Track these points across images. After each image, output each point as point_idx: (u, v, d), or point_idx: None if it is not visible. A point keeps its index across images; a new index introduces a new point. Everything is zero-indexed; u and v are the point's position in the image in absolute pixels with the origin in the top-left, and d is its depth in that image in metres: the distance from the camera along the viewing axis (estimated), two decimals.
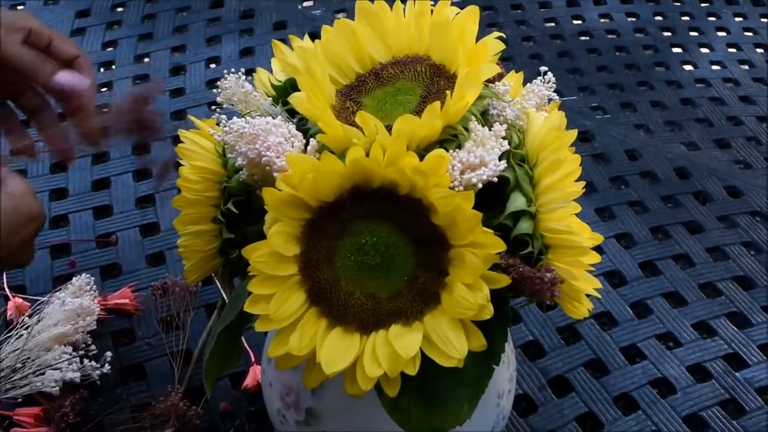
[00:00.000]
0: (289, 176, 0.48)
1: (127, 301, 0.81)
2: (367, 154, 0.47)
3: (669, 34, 1.32)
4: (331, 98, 0.56)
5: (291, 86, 0.57)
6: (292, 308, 0.49)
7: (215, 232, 0.56)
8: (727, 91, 1.21)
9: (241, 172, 0.54)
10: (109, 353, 0.75)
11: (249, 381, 0.76)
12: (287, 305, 0.49)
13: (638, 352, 0.84)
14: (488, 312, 0.48)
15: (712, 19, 1.36)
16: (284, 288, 0.49)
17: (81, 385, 0.73)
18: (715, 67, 1.26)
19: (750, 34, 1.34)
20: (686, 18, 1.36)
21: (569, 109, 1.13)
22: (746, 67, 1.27)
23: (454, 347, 0.48)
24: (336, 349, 0.48)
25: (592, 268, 0.53)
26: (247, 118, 0.54)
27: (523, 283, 0.49)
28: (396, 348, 0.48)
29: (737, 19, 1.36)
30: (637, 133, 1.12)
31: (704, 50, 1.29)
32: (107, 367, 0.74)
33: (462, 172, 0.49)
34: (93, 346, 0.76)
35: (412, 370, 0.47)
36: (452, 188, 0.49)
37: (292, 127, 0.53)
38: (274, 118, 0.54)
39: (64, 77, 0.63)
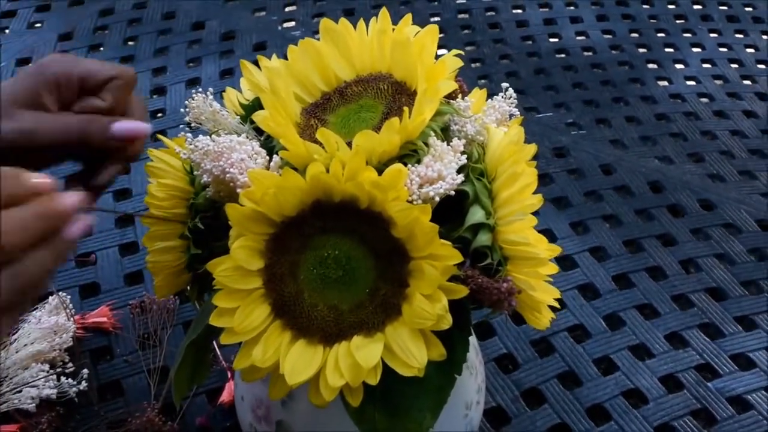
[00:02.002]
0: (252, 192, 0.49)
1: (104, 319, 0.82)
2: (328, 170, 0.49)
3: (644, 50, 1.34)
4: (296, 116, 0.57)
5: (258, 105, 0.58)
6: (257, 321, 0.50)
7: (183, 248, 0.57)
8: (702, 105, 1.23)
9: (207, 189, 0.55)
10: (85, 370, 0.76)
11: (225, 397, 0.77)
12: (251, 318, 0.50)
13: (611, 363, 0.86)
14: (447, 322, 0.49)
15: (687, 35, 1.38)
16: (248, 301, 0.50)
17: (58, 402, 0.75)
18: (689, 83, 1.28)
19: (725, 49, 1.36)
20: (662, 35, 1.38)
21: (545, 126, 1.15)
22: (720, 82, 1.29)
23: (414, 357, 0.49)
24: (299, 361, 0.49)
25: (551, 279, 0.54)
26: (213, 136, 0.55)
27: (482, 293, 0.50)
28: (357, 358, 0.49)
29: (712, 35, 1.39)
30: (612, 148, 1.13)
31: (679, 66, 1.31)
32: (84, 384, 0.75)
33: (420, 186, 0.50)
34: (70, 364, 0.77)
35: (374, 380, 0.49)
36: (410, 202, 0.50)
37: (256, 144, 0.54)
38: (239, 135, 0.55)
39: (121, 127, 0.55)
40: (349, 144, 0.51)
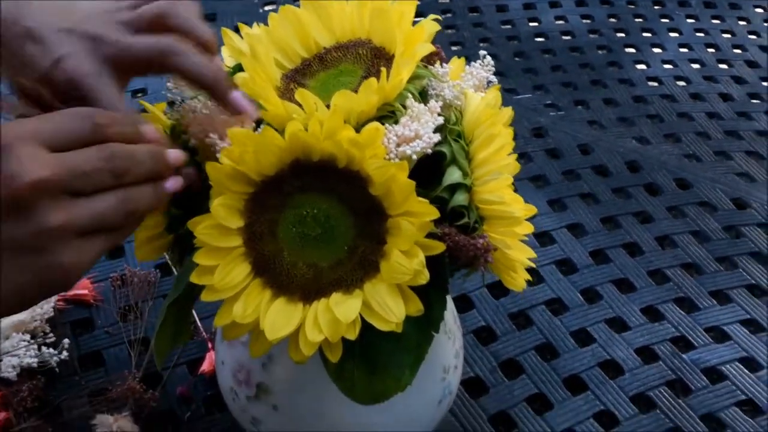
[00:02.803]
0: (231, 150, 0.49)
1: (86, 291, 0.83)
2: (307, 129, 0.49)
3: (622, 35, 1.36)
4: (276, 80, 0.58)
5: (239, 71, 0.59)
6: (237, 279, 0.51)
7: (164, 209, 0.57)
8: (678, 88, 1.25)
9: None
10: (66, 340, 0.77)
11: (205, 366, 0.77)
12: (232, 276, 0.51)
13: (588, 335, 0.87)
14: (424, 277, 0.50)
15: (664, 20, 1.40)
16: (229, 259, 0.51)
17: (40, 371, 0.75)
18: (666, 66, 1.30)
19: (701, 34, 1.38)
20: (639, 19, 1.39)
21: (524, 107, 1.17)
22: (697, 66, 1.31)
23: (392, 312, 0.50)
24: (279, 317, 0.50)
25: (526, 238, 0.55)
26: (203, 99, 0.56)
27: (459, 250, 0.51)
28: (336, 314, 0.49)
29: (689, 20, 1.40)
30: (590, 129, 1.15)
31: (656, 50, 1.33)
32: (65, 354, 0.76)
33: (398, 145, 0.51)
34: (51, 334, 0.78)
35: (352, 335, 0.49)
36: (388, 160, 0.51)
37: None
38: None
39: (240, 97, 0.55)
40: (328, 107, 0.51)
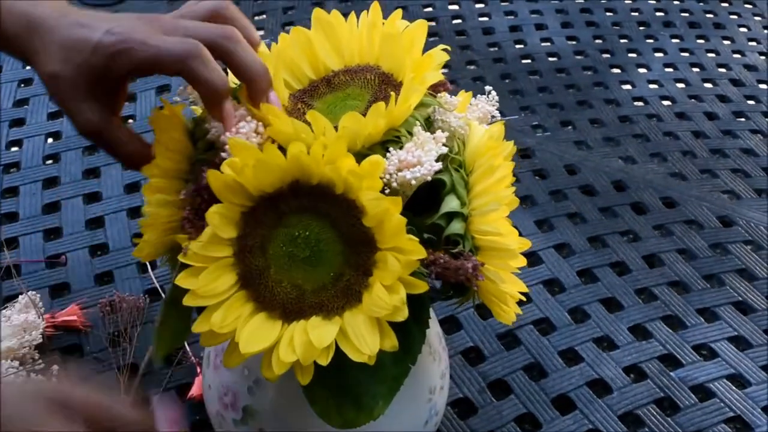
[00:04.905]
0: (234, 162, 0.50)
1: (74, 317, 0.83)
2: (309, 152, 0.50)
3: (608, 55, 1.37)
4: (284, 99, 0.59)
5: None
6: (221, 288, 0.51)
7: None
8: (664, 108, 1.26)
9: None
10: (56, 367, 0.77)
11: (194, 391, 0.78)
12: (216, 284, 0.51)
13: (576, 355, 0.87)
14: (402, 314, 0.50)
15: (649, 41, 1.41)
16: (215, 267, 0.51)
17: None
18: (652, 86, 1.31)
19: (686, 54, 1.39)
20: (624, 40, 1.40)
21: (511, 128, 1.16)
22: (682, 85, 1.31)
23: (367, 344, 0.50)
24: (256, 332, 0.51)
25: (519, 271, 0.55)
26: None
27: (448, 272, 0.51)
28: (311, 337, 0.50)
29: (674, 40, 1.41)
30: (576, 149, 1.15)
31: (642, 70, 1.34)
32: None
33: (399, 170, 0.52)
34: (40, 361, 0.78)
35: (324, 361, 0.50)
36: (387, 184, 0.51)
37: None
38: None
39: (276, 98, 0.57)
40: (336, 129, 0.52)
